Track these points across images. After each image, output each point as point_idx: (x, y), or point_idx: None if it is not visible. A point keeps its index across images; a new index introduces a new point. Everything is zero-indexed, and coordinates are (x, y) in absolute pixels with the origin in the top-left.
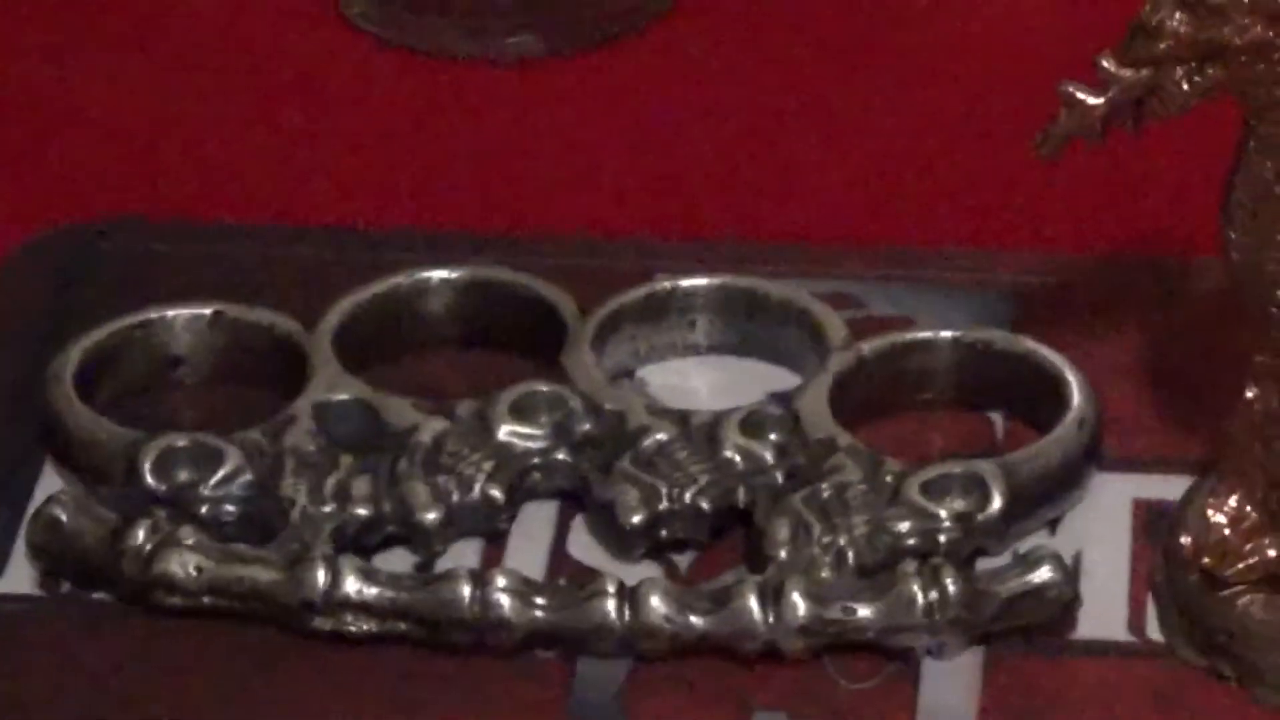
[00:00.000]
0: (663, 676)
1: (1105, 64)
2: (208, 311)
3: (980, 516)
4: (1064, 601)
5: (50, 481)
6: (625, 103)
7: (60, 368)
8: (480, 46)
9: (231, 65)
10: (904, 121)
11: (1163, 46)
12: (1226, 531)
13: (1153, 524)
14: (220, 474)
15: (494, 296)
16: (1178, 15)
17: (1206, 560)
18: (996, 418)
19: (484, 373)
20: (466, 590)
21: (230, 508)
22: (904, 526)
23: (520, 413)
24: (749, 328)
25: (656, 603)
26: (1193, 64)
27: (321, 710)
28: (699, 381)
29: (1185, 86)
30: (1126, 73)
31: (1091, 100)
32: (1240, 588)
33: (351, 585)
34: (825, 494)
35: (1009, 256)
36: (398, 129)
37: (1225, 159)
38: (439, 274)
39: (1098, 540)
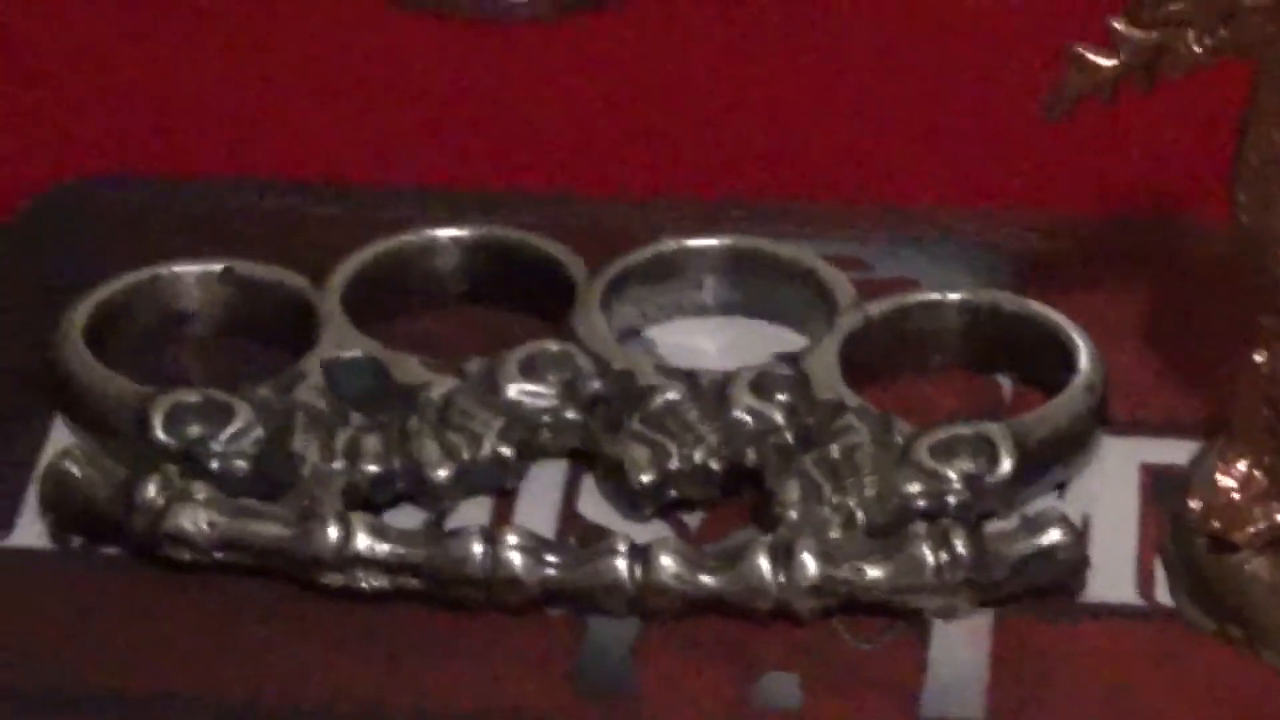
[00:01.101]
0: (672, 636)
1: (1116, 25)
2: (217, 267)
3: (989, 479)
4: (1073, 564)
5: (61, 437)
6: (634, 62)
7: (70, 323)
8: (489, 7)
9: (240, 22)
10: (913, 82)
11: (1174, 8)
12: (1235, 495)
13: (1161, 488)
14: (231, 429)
15: (502, 255)
16: None
17: (1215, 524)
18: (1004, 380)
19: (492, 331)
20: (478, 547)
21: (241, 463)
22: (913, 488)
23: (529, 371)
24: (756, 288)
25: (667, 562)
26: (1204, 26)
27: (331, 665)
28: (706, 342)
29: (1196, 48)
30: (1137, 34)
31: (1102, 61)
32: (1248, 551)
33: (362, 541)
34: (835, 455)
35: (1017, 218)
36: (407, 88)
37: (1234, 121)
38: (448, 232)
39: (1106, 503)
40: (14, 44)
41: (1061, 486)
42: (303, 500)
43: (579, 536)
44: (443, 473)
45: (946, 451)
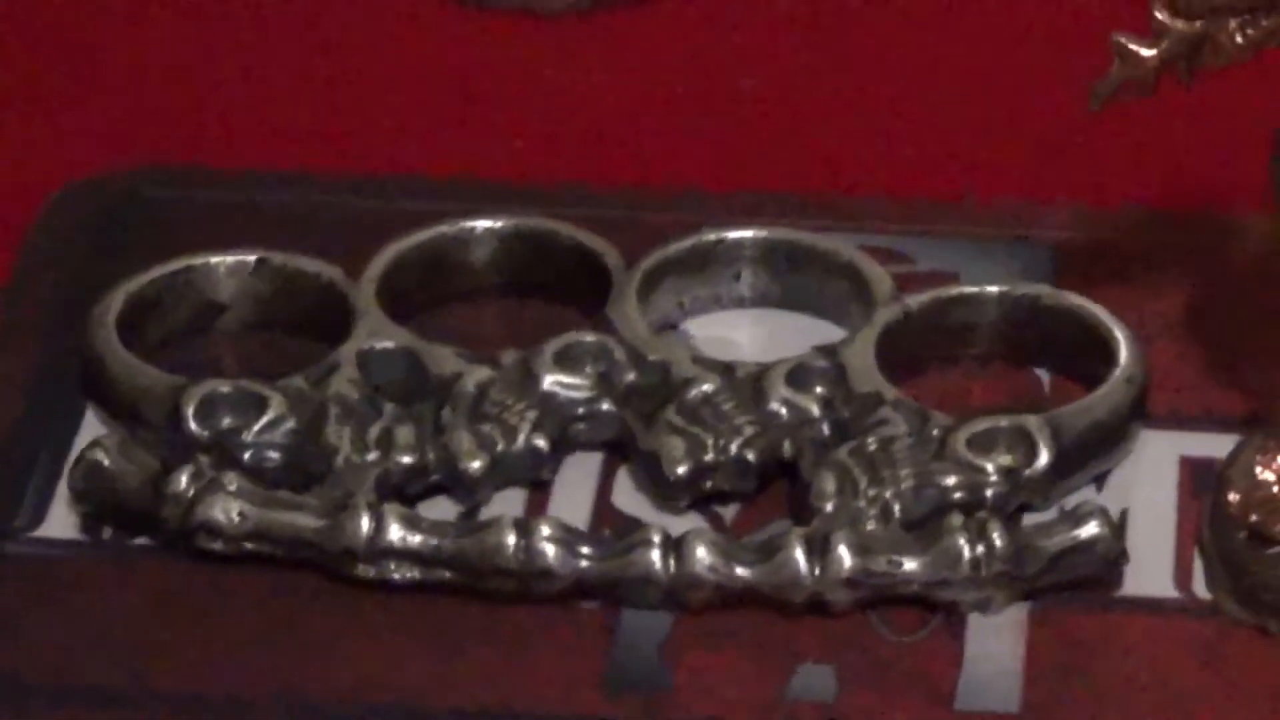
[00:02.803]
0: (706, 628)
1: (1158, 15)
2: (251, 258)
3: (1027, 471)
4: (1110, 557)
5: (93, 427)
6: (673, 55)
7: (104, 313)
8: None
9: (275, 13)
10: (952, 75)
11: None
12: (1274, 488)
13: (1199, 481)
14: (263, 420)
15: (538, 246)
16: None
17: (1253, 517)
18: (1043, 373)
19: (528, 323)
20: (511, 538)
21: (273, 454)
22: (950, 480)
23: (565, 362)
24: (794, 280)
25: (702, 553)
26: (1246, 15)
27: (362, 657)
28: (743, 334)
29: (1238, 38)
30: (1179, 23)
31: (1144, 51)
32: None
33: (395, 532)
34: (871, 447)
35: (1056, 212)
36: (444, 80)
37: (1274, 112)
38: (484, 223)
39: (1144, 497)
40: (51, 36)
41: (1100, 479)
42: (335, 491)
43: (613, 528)
44: (476, 464)
45: (984, 444)
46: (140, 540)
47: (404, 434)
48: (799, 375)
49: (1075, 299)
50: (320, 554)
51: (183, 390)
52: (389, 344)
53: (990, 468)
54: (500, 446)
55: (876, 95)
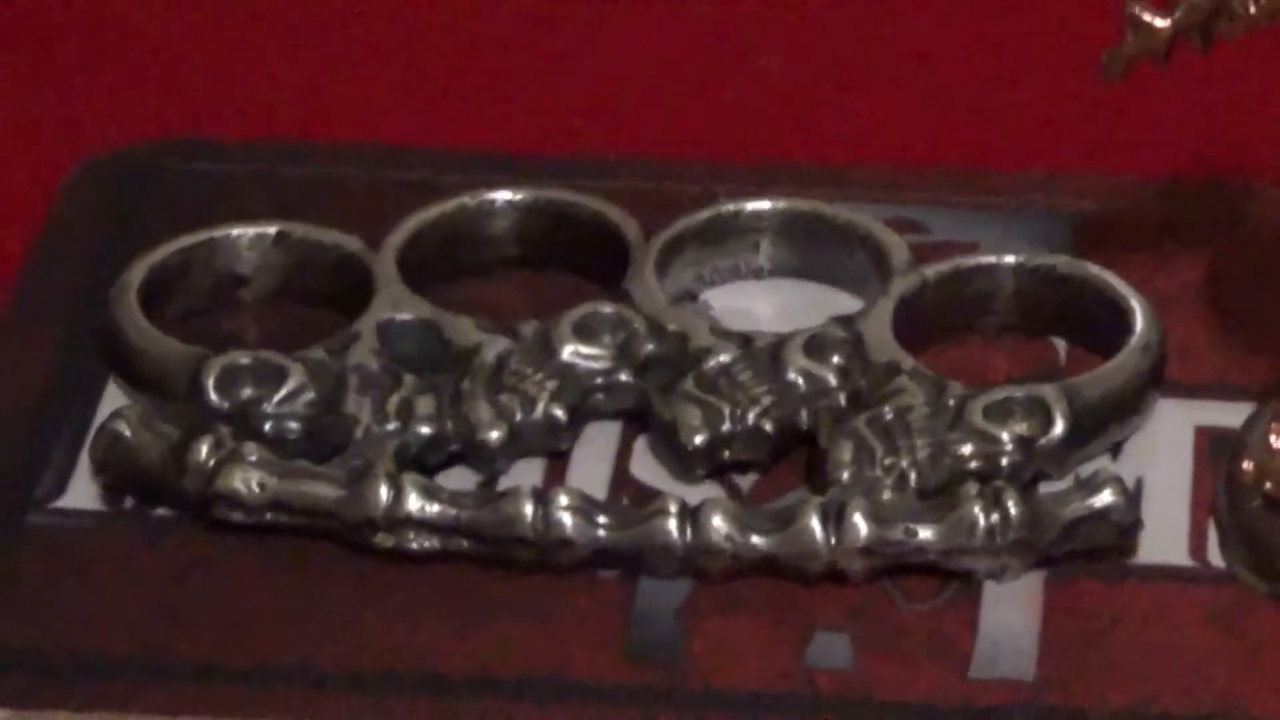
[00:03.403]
0: (723, 597)
1: None
2: (272, 230)
3: (1042, 440)
4: (1125, 526)
5: (114, 398)
6: (691, 27)
7: (125, 286)
8: None
9: None
10: (967, 45)
11: None
12: None
13: (1215, 450)
14: (284, 391)
15: (558, 218)
16: None
17: (1268, 486)
18: (1059, 343)
19: (547, 294)
20: (529, 508)
21: (293, 425)
22: (966, 449)
23: (583, 333)
24: (812, 251)
25: (718, 522)
26: None
27: (382, 626)
28: (762, 304)
29: (1252, 8)
30: None
31: (1158, 21)
32: None
33: (414, 502)
34: (888, 416)
35: (1072, 181)
36: (462, 51)
37: None
38: (503, 195)
39: (1160, 466)
40: (70, 11)
41: (1115, 449)
42: (355, 461)
43: (631, 498)
44: (495, 434)
45: (1000, 413)
46: (161, 511)
47: (423, 404)
48: (816, 345)
49: (1092, 268)
50: (340, 524)
51: (203, 361)
52: (409, 315)
53: (1006, 437)
54: (519, 417)
55: (894, 66)
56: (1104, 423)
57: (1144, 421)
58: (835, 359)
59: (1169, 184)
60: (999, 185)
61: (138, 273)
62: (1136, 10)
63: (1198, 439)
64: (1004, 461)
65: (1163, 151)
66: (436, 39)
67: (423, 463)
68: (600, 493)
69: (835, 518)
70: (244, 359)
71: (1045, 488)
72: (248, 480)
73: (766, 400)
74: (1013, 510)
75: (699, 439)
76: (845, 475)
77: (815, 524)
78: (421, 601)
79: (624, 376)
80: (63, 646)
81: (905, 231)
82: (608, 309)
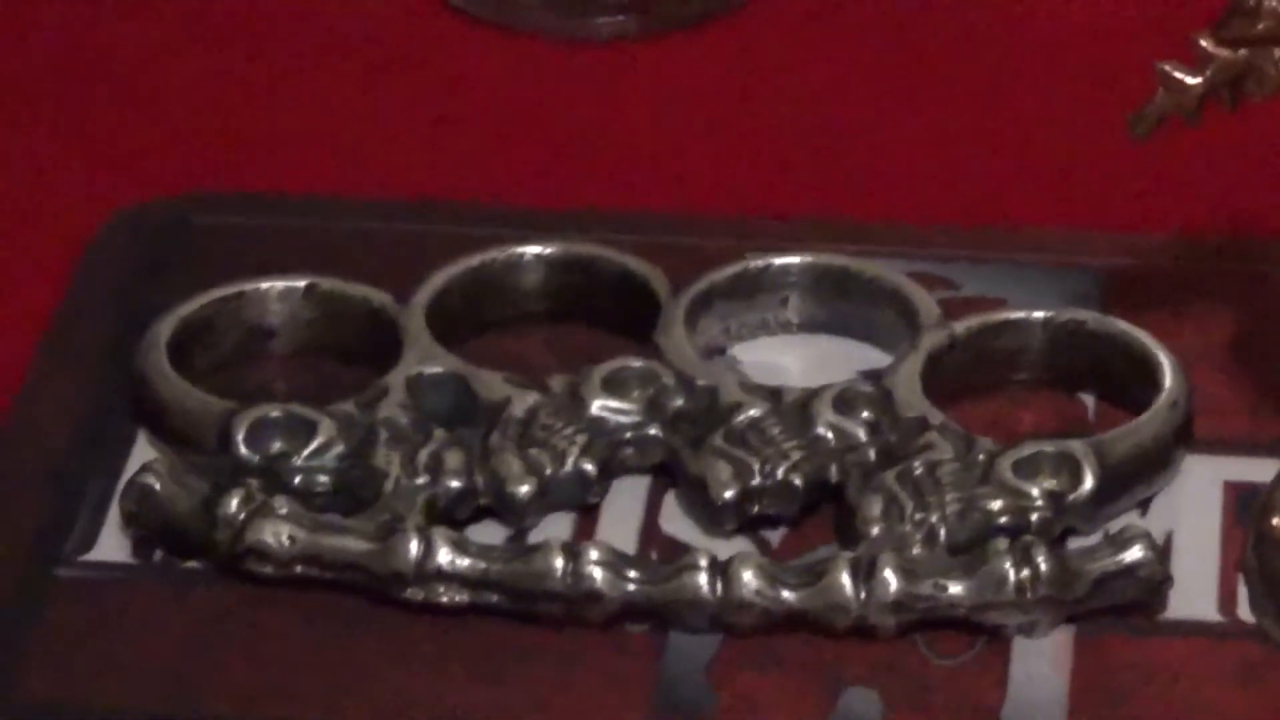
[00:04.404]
0: (753, 652)
1: (1202, 43)
2: (301, 284)
3: (1072, 496)
4: (1155, 581)
5: (144, 451)
6: (719, 82)
7: (154, 338)
8: (574, 26)
9: (323, 41)
10: (996, 102)
11: (1261, 27)
12: None
13: (1243, 505)
14: (313, 445)
15: (587, 272)
16: None
17: None
18: (1088, 398)
19: (576, 349)
20: (559, 562)
21: (323, 478)
22: (996, 505)
23: (613, 387)
24: (841, 306)
25: (749, 577)
26: None
27: (411, 680)
28: (790, 359)
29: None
30: (1223, 52)
31: (1188, 80)
32: None
33: (444, 556)
34: (917, 471)
35: (1100, 238)
36: (491, 106)
37: None
38: (532, 249)
39: (1188, 521)
40: (107, 61)
41: (1144, 504)
42: (384, 515)
43: (660, 552)
44: (525, 489)
45: (1029, 469)
46: (191, 564)
47: (453, 458)
48: (845, 400)
49: (1121, 325)
50: (369, 577)
51: (233, 415)
52: (438, 369)
53: (1035, 492)
54: (548, 471)
55: (923, 121)
56: (1133, 478)
57: (1172, 477)
58: (864, 414)
59: (1196, 240)
60: (1027, 241)
61: (167, 326)
62: (1169, 68)
63: (1226, 494)
64: (1033, 517)
65: (1190, 208)
66: (464, 94)
67: (452, 516)
68: (630, 547)
69: (865, 573)
70: (274, 412)
71: (1074, 543)
72: (278, 533)
73: (796, 455)
74: (1042, 566)
75: (729, 493)
76: (875, 530)
77: (845, 579)
78: (450, 655)
79: (653, 431)
80: (92, 699)
81: (934, 287)
82: (637, 363)
